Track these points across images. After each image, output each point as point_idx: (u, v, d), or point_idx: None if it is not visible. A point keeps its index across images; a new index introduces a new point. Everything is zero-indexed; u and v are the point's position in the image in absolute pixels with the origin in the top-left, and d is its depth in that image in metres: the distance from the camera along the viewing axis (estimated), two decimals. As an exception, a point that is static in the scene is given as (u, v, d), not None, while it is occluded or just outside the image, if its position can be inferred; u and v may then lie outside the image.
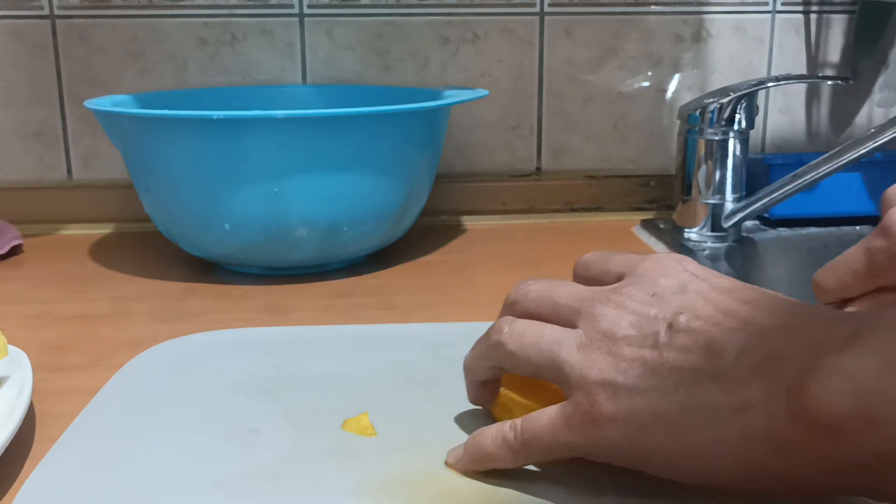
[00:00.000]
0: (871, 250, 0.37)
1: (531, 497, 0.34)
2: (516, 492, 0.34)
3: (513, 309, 0.37)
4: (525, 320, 0.36)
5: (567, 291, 0.36)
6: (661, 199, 0.86)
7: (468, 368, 0.39)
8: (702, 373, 0.30)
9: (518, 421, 0.34)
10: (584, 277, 0.38)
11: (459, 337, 0.50)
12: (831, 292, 0.40)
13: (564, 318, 0.35)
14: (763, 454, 0.28)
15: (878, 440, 0.26)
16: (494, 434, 0.35)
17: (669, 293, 0.33)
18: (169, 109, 0.60)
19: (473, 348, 0.39)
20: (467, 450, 0.36)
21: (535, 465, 0.36)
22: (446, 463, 0.36)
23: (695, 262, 0.35)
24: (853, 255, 0.39)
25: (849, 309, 0.39)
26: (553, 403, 0.34)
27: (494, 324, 0.37)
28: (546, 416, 0.33)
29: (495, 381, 0.39)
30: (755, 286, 0.33)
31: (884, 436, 0.26)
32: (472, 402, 0.40)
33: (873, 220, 0.81)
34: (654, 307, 0.32)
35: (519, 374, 0.36)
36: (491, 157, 0.86)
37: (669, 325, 0.31)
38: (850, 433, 0.26)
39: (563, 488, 0.34)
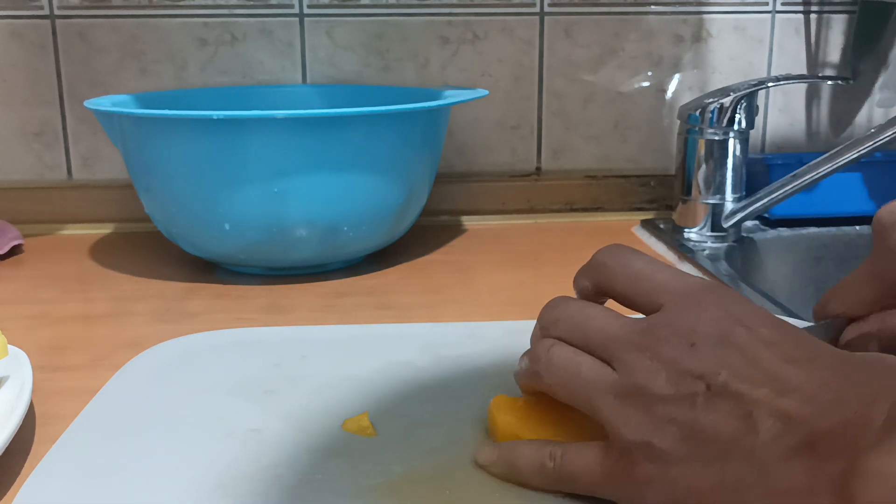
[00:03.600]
0: (879, 275, 0.38)
1: None
2: (518, 499, 0.34)
3: (546, 332, 0.36)
4: (561, 350, 0.35)
5: (598, 326, 0.34)
6: (661, 199, 0.86)
7: (517, 381, 0.38)
8: (735, 449, 0.29)
9: (559, 451, 0.34)
10: (608, 289, 0.36)
11: (459, 337, 0.50)
12: (837, 315, 0.41)
13: (599, 356, 0.34)
14: None
15: None
16: (532, 458, 0.34)
17: (710, 344, 0.31)
18: (169, 109, 0.60)
19: (519, 363, 0.37)
20: (501, 461, 0.35)
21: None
22: (476, 461, 0.36)
23: (734, 295, 0.33)
24: (860, 281, 0.39)
25: (854, 327, 0.41)
26: (571, 436, 0.34)
27: (534, 346, 0.36)
28: (585, 460, 0.33)
29: None
30: (799, 331, 0.32)
31: None
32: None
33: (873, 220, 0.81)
34: (691, 361, 0.31)
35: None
36: (491, 157, 0.86)
37: (708, 387, 0.30)
38: None
39: (568, 500, 0.34)
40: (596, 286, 0.37)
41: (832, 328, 0.42)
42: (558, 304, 0.36)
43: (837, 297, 0.41)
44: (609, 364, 0.33)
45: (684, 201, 0.76)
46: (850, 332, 0.41)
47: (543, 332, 0.36)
